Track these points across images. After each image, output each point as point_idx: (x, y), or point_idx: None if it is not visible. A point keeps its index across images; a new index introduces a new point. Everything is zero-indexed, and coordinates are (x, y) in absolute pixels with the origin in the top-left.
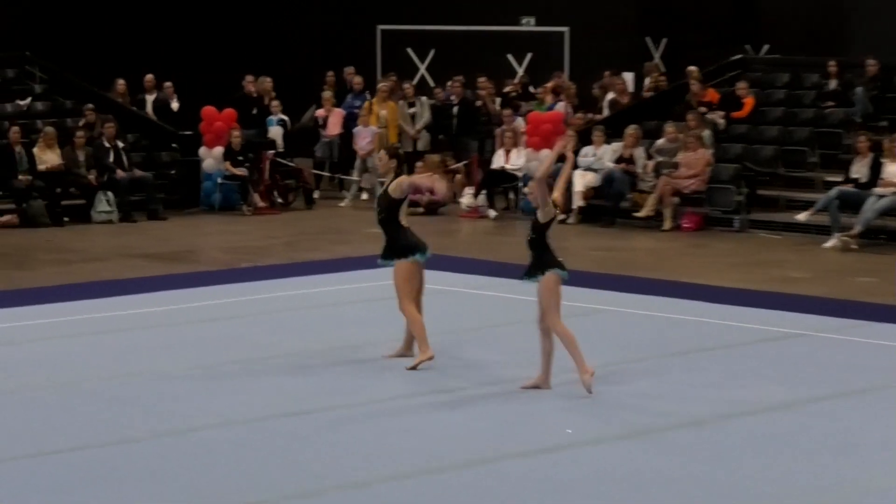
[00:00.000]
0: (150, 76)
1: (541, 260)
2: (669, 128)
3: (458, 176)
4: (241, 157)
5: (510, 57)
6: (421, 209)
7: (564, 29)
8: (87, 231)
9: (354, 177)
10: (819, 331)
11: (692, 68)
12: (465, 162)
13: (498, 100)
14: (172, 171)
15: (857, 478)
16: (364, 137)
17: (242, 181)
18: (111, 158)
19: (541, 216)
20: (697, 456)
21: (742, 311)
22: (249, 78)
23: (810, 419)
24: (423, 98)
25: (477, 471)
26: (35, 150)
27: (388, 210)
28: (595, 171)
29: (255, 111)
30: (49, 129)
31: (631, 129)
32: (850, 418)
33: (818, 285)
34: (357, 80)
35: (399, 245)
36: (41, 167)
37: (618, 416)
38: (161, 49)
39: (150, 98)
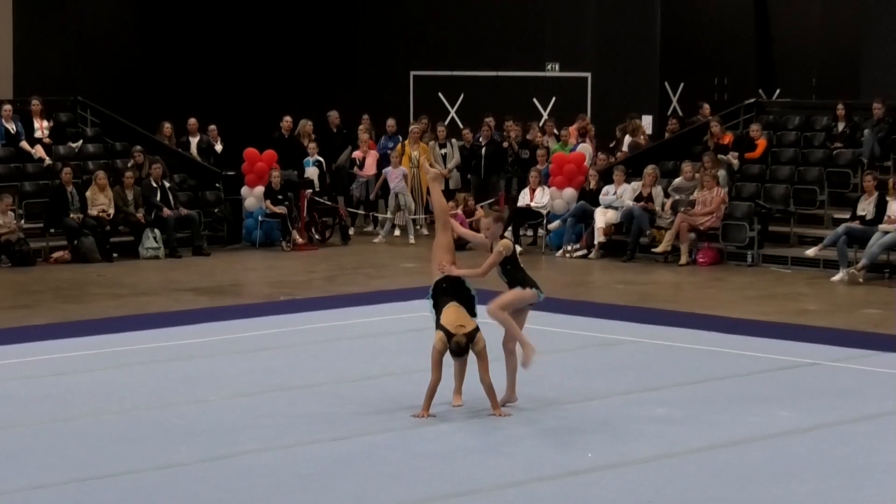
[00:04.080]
0: (193, 120)
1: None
2: (686, 167)
3: (479, 213)
4: (280, 196)
5: (535, 101)
6: None
7: (587, 74)
8: (135, 266)
9: (388, 214)
10: (829, 360)
11: (706, 108)
12: (492, 200)
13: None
14: (216, 210)
15: (869, 499)
16: (395, 178)
17: (282, 218)
18: (158, 197)
19: None
20: (714, 480)
21: (756, 342)
22: (287, 118)
23: (822, 444)
24: (454, 140)
25: (511, 492)
26: (88, 193)
27: None
28: (616, 208)
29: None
30: (100, 172)
31: (649, 169)
32: (860, 443)
33: (828, 317)
34: (390, 123)
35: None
36: (93, 211)
37: (638, 440)
38: (205, 94)
39: (193, 140)
